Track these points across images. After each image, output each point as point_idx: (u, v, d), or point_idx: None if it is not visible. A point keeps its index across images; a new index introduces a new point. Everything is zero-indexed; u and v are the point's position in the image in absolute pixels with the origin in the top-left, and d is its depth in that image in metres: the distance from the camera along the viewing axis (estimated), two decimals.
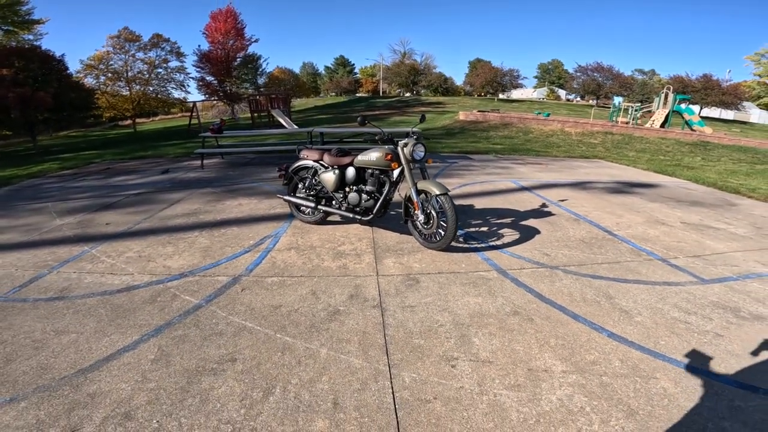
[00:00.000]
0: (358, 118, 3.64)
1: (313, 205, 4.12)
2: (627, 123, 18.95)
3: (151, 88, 29.63)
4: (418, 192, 3.51)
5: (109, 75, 27.39)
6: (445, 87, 49.71)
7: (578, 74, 36.42)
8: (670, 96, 19.22)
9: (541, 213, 4.98)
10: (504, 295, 2.88)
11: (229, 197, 5.69)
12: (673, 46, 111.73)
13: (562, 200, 5.66)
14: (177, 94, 31.78)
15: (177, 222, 4.59)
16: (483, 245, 3.80)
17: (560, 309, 2.71)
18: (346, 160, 3.94)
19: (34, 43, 22.82)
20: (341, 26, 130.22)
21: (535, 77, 62.55)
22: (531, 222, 4.60)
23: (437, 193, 3.34)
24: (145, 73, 29.10)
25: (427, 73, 46.03)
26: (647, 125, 18.67)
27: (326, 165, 4.07)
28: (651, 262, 3.57)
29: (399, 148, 3.55)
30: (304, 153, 4.29)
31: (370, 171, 3.79)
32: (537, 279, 3.15)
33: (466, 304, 2.75)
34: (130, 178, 7.60)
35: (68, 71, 20.90)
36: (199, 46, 30.14)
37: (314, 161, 4.17)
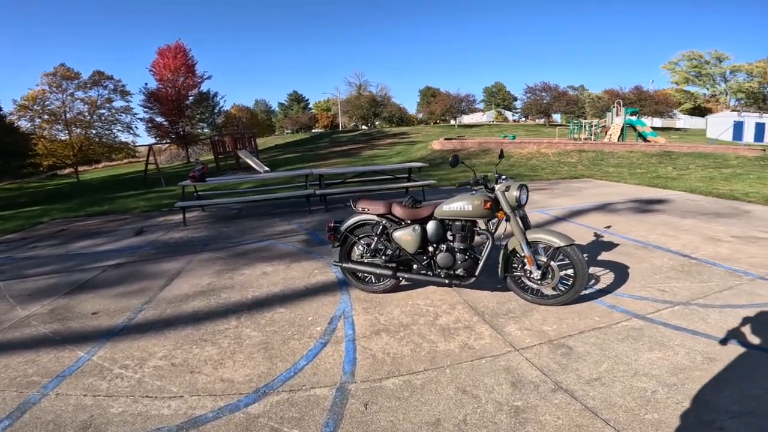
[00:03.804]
0: (450, 159, 3.17)
1: (389, 272, 3.39)
2: (588, 139, 20.04)
3: (93, 131, 27.20)
4: (528, 243, 3.06)
5: (46, 117, 24.82)
6: (400, 117, 50.78)
7: (528, 95, 38.67)
8: (622, 110, 20.67)
9: (603, 244, 4.72)
10: (676, 343, 2.60)
11: (243, 264, 4.66)
12: (591, 61, 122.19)
13: (608, 226, 5.49)
14: (124, 137, 29.54)
15: (195, 306, 3.56)
16: (590, 290, 3.41)
17: (746, 346, 2.53)
18: (426, 211, 3.35)
19: None
20: (293, 62, 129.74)
21: (482, 101, 65.81)
22: (605, 256, 4.31)
23: (562, 244, 2.91)
24: (87, 114, 26.63)
25: (386, 104, 46.73)
26: (605, 140, 19.84)
27: (397, 219, 3.46)
28: (756, 282, 3.51)
29: (499, 193, 3.08)
30: (362, 205, 3.56)
31: (459, 224, 3.21)
32: (686, 319, 2.89)
33: (651, 361, 2.40)
34: (96, 243, 6.24)
35: (1, 111, 18.67)
36: (146, 84, 28.07)
37: (379, 216, 3.48)
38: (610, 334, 2.72)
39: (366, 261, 3.57)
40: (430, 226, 3.28)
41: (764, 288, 3.35)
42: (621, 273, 3.78)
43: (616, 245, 4.64)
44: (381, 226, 3.49)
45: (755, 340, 2.58)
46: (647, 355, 2.47)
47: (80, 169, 29.25)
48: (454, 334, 2.88)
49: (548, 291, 3.12)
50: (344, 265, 3.61)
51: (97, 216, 9.13)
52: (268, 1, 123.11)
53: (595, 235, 5.10)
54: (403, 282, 3.66)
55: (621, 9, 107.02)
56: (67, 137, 25.84)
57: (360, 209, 3.58)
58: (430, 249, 3.33)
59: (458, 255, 3.19)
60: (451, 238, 3.26)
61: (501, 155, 3.75)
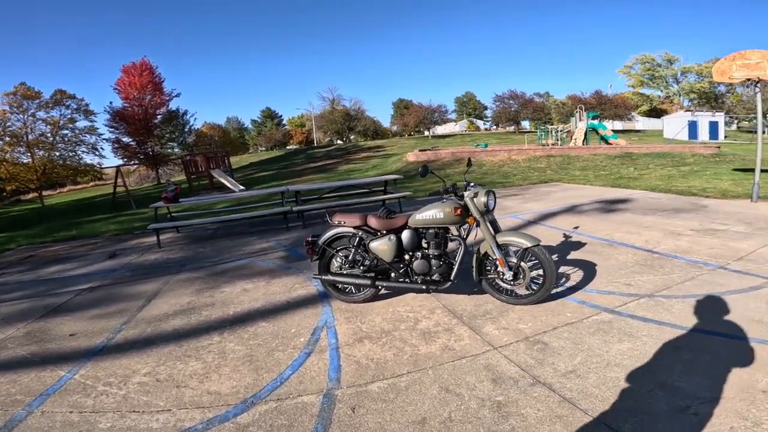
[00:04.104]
0: (420, 170, 3.28)
1: (368, 282, 3.47)
2: (555, 144, 20.81)
3: (57, 153, 26.04)
4: (499, 246, 3.20)
5: (7, 139, 23.62)
6: (375, 130, 51.22)
7: (497, 103, 39.91)
8: (584, 115, 21.60)
9: (572, 244, 4.93)
10: (644, 333, 2.73)
11: (223, 282, 4.61)
12: (555, 67, 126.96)
13: (576, 227, 5.73)
14: (89, 158, 28.37)
15: (176, 324, 3.54)
16: (561, 288, 3.58)
17: (710, 333, 2.67)
18: (400, 221, 3.46)
19: None
20: (264, 78, 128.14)
21: (454, 111, 67.30)
22: (574, 255, 4.52)
23: (529, 245, 3.06)
24: (49, 135, 25.55)
25: (360, 118, 46.96)
26: (571, 144, 20.66)
27: (374, 231, 3.55)
28: (716, 272, 3.74)
29: (468, 200, 3.22)
30: (338, 218, 3.64)
31: (433, 231, 3.33)
32: (652, 311, 3.06)
33: (621, 352, 2.53)
34: (67, 268, 6.09)
35: None
36: (110, 103, 27.22)
37: (355, 228, 3.57)
38: (582, 328, 2.86)
39: (345, 272, 3.63)
40: (405, 234, 3.38)
41: (724, 277, 3.57)
42: (589, 270, 3.97)
43: (584, 244, 4.87)
44: (357, 238, 3.56)
45: (718, 326, 2.75)
46: (618, 346, 2.60)
47: (44, 193, 27.99)
48: (434, 337, 2.96)
49: (521, 291, 3.26)
50: (324, 277, 3.66)
51: (65, 241, 8.81)
52: (237, 17, 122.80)
53: (565, 235, 5.33)
54: (383, 290, 3.73)
55: (580, 9, 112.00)
56: (30, 160, 24.74)
57: (336, 222, 3.65)
58: (407, 257, 3.43)
59: (433, 261, 3.30)
60: (425, 245, 3.37)
61: (468, 164, 3.92)
